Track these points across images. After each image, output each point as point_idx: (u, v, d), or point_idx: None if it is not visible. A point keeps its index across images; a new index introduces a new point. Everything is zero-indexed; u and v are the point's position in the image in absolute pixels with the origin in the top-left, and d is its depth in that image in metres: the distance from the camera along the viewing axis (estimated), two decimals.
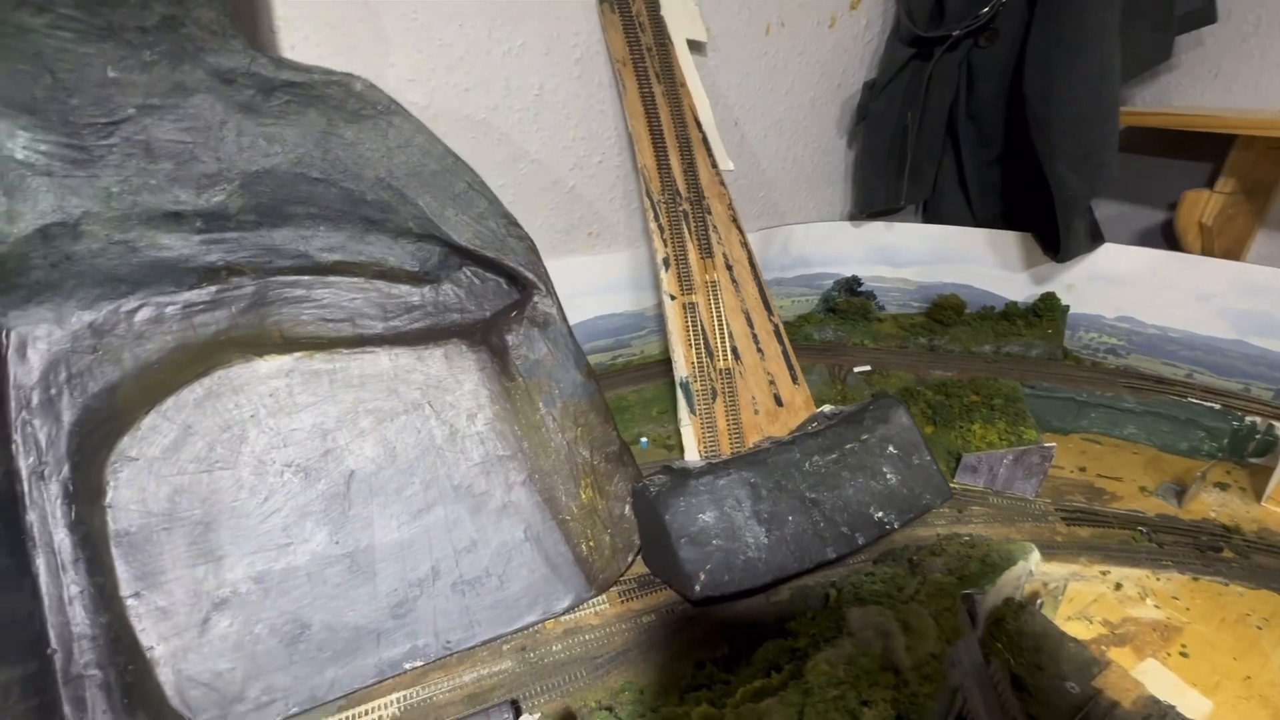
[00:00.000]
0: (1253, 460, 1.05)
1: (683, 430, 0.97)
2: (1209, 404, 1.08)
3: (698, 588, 0.74)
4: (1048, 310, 1.31)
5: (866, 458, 0.84)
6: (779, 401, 1.01)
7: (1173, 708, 0.57)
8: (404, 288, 0.85)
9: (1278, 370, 1.12)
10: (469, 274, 0.88)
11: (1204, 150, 1.30)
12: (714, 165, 1.07)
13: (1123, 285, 1.25)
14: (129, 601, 0.66)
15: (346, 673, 0.71)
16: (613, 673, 0.74)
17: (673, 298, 0.98)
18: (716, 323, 0.99)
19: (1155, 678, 0.65)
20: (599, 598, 0.82)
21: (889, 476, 0.84)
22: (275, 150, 0.73)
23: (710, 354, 0.98)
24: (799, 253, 1.48)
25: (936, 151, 1.35)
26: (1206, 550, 0.89)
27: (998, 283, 1.38)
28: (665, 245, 1.00)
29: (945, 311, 1.39)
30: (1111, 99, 1.05)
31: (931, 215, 1.48)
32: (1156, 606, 0.80)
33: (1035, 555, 0.71)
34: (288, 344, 0.78)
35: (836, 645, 0.50)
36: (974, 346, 1.33)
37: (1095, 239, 1.22)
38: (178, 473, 0.70)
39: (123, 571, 0.66)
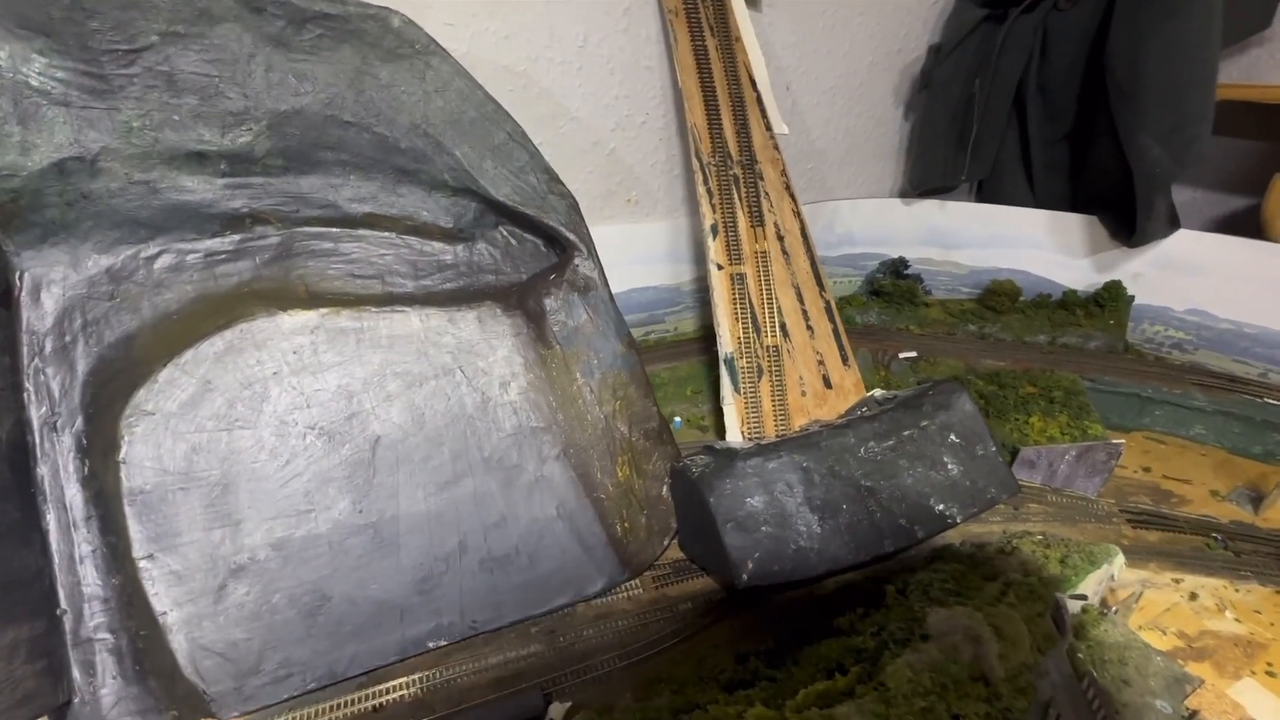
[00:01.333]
0: None
1: (724, 409, 0.91)
2: None
3: (745, 576, 0.68)
4: (1111, 300, 1.23)
5: (926, 446, 0.78)
6: (828, 383, 0.95)
7: None
8: (437, 245, 0.79)
9: None
10: (505, 233, 0.82)
11: None
12: (768, 128, 1.00)
13: (1196, 275, 1.16)
14: (142, 564, 0.63)
15: (367, 649, 0.68)
16: (648, 662, 0.69)
17: (720, 267, 0.92)
18: (765, 296, 0.92)
19: (1255, 699, 0.59)
20: (632, 582, 0.78)
21: (950, 467, 0.77)
22: (305, 89, 0.68)
23: (757, 329, 0.92)
24: (844, 230, 1.40)
25: (1001, 125, 1.26)
26: None
27: (1057, 269, 1.30)
28: (714, 211, 0.93)
29: (998, 298, 1.31)
30: (1209, 68, 0.96)
31: (987, 195, 1.39)
32: (1237, 620, 0.74)
33: (1120, 559, 0.65)
34: (313, 299, 0.73)
35: (916, 649, 0.45)
36: (1028, 336, 1.26)
37: (1172, 224, 1.14)
38: (195, 430, 0.66)
39: (136, 532, 0.63)
